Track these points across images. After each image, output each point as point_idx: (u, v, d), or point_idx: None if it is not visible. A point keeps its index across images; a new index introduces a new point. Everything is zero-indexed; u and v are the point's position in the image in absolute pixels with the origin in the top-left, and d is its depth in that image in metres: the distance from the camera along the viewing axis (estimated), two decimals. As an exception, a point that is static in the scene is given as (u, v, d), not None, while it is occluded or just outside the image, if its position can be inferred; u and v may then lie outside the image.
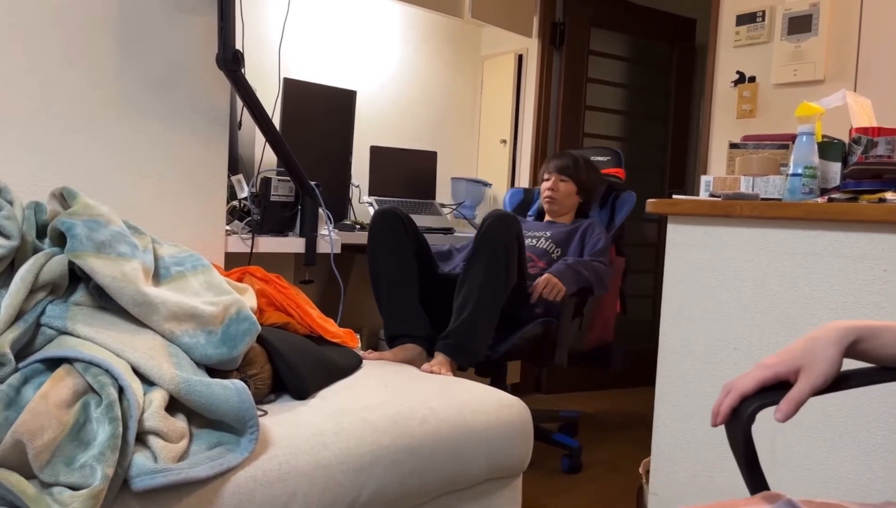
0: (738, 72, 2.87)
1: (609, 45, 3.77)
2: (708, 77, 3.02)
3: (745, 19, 2.83)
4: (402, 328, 2.11)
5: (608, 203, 2.83)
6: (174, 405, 1.18)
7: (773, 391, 0.84)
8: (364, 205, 3.09)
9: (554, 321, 2.36)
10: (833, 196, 1.47)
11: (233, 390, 1.18)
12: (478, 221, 3.37)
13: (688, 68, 4.00)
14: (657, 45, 3.94)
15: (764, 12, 2.78)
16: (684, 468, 1.64)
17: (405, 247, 2.17)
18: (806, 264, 1.42)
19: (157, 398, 1.14)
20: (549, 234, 2.60)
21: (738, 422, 0.84)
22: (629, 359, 2.91)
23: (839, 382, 0.83)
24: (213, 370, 1.31)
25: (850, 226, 1.35)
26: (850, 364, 0.84)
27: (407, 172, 3.26)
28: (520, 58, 3.61)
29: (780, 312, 1.46)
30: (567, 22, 3.57)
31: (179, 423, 1.14)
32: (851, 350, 0.86)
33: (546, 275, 2.31)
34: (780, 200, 1.53)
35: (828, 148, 1.60)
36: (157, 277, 1.41)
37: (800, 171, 1.50)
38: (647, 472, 1.78)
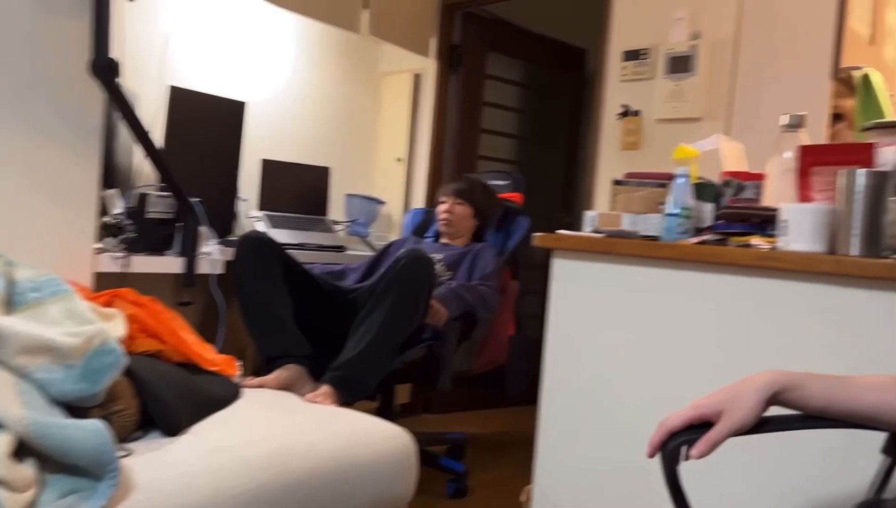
0: (623, 105, 2.99)
1: (505, 70, 3.85)
2: (595, 108, 3.13)
3: (632, 55, 2.96)
4: (279, 348, 2.04)
5: (504, 227, 2.87)
6: (25, 450, 1.08)
7: (699, 429, 0.90)
8: (252, 221, 2.98)
9: (437, 344, 2.36)
10: (706, 237, 1.55)
11: (91, 430, 1.10)
12: (372, 239, 3.34)
13: (578, 97, 4.14)
14: (551, 73, 4.06)
15: (648, 50, 2.91)
16: (566, 499, 1.67)
17: (274, 271, 2.11)
18: (678, 303, 1.48)
19: (2, 442, 1.04)
20: (442, 257, 2.60)
21: (664, 457, 0.90)
22: (527, 381, 2.95)
23: (759, 426, 0.90)
24: (74, 408, 1.22)
25: (718, 268, 1.42)
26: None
27: (299, 187, 3.18)
28: (417, 77, 3.61)
29: (654, 350, 1.51)
30: (464, 45, 3.62)
31: (27, 470, 1.05)
32: (777, 399, 0.92)
33: (433, 301, 2.30)
34: (658, 237, 1.60)
35: (702, 189, 1.69)
36: (11, 304, 1.29)
37: (676, 211, 1.57)
38: (528, 500, 1.80)
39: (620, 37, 3.02)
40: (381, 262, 2.66)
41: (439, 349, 2.37)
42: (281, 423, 1.49)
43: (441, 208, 2.70)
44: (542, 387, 1.71)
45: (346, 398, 1.93)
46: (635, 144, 2.95)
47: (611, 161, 3.01)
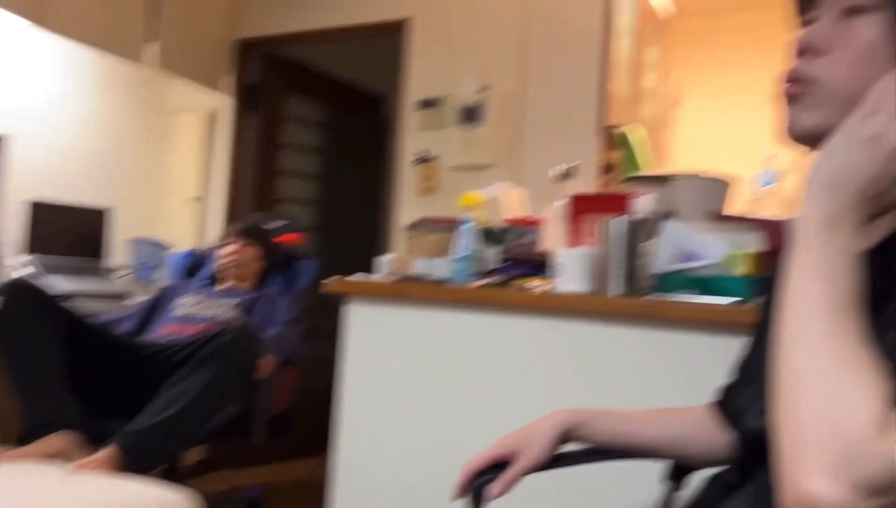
0: (418, 151, 3.09)
1: (305, 112, 3.83)
2: (393, 154, 3.21)
3: (426, 104, 3.08)
4: (44, 415, 1.81)
5: (287, 270, 2.78)
6: None
7: (502, 468, 0.92)
8: (15, 267, 2.66)
9: (255, 395, 2.24)
10: (490, 280, 1.62)
11: None
12: (162, 284, 3.11)
13: (378, 142, 4.22)
14: (351, 116, 4.10)
15: (441, 99, 3.04)
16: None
17: (42, 324, 1.89)
18: (465, 343, 1.53)
19: None
20: (234, 302, 2.48)
21: (470, 498, 0.92)
22: (307, 426, 2.87)
23: (554, 461, 0.94)
24: None
25: (501, 310, 1.50)
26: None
27: (73, 229, 2.90)
28: (212, 116, 3.48)
29: (448, 388, 1.55)
30: (262, 85, 3.55)
31: None
32: (569, 435, 0.96)
33: (269, 357, 2.20)
34: (448, 281, 1.65)
35: (488, 235, 1.77)
36: None
37: (463, 255, 1.63)
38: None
39: (415, 85, 3.13)
40: (157, 309, 2.47)
41: (256, 401, 2.24)
42: (35, 502, 1.31)
43: (227, 250, 2.56)
44: (338, 433, 1.68)
45: (134, 468, 1.75)
46: (432, 189, 3.06)
47: (409, 205, 3.08)
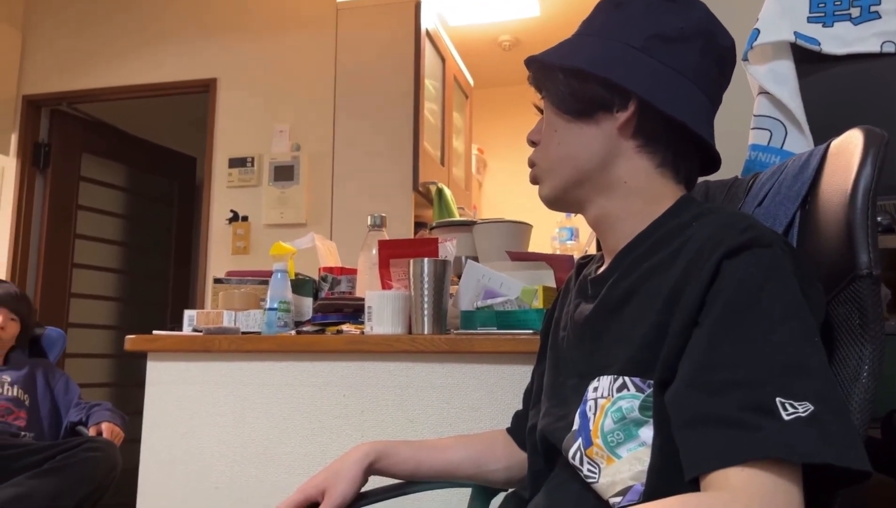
0: (231, 211, 3.02)
1: (105, 174, 3.60)
2: (204, 213, 3.10)
3: (237, 162, 3.03)
4: None
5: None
6: None
7: None
8: None
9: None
10: (304, 329, 1.61)
11: None
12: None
13: (189, 203, 4.06)
14: (158, 179, 3.92)
15: (253, 158, 3.01)
16: None
17: None
18: (280, 394, 1.50)
19: None
20: (8, 380, 2.22)
21: None
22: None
23: (359, 499, 0.91)
24: None
25: (315, 356, 1.48)
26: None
27: None
28: (-8, 176, 3.16)
29: (258, 444, 1.49)
30: (53, 144, 3.30)
31: None
32: (373, 468, 0.95)
33: (107, 424, 2.14)
34: (259, 333, 1.61)
35: (301, 285, 1.76)
36: None
37: (275, 305, 1.60)
38: None
39: (225, 145, 3.08)
40: None
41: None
42: None
43: None
44: (138, 502, 1.54)
45: None
46: (245, 248, 2.99)
47: (222, 265, 2.98)
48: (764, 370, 0.60)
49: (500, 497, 1.04)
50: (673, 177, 0.81)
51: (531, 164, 0.86)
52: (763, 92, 1.39)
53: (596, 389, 0.74)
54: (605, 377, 0.73)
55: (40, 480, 1.80)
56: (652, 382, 0.68)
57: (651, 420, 0.68)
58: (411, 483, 1.01)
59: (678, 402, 0.64)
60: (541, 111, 0.87)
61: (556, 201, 0.85)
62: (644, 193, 0.80)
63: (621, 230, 0.81)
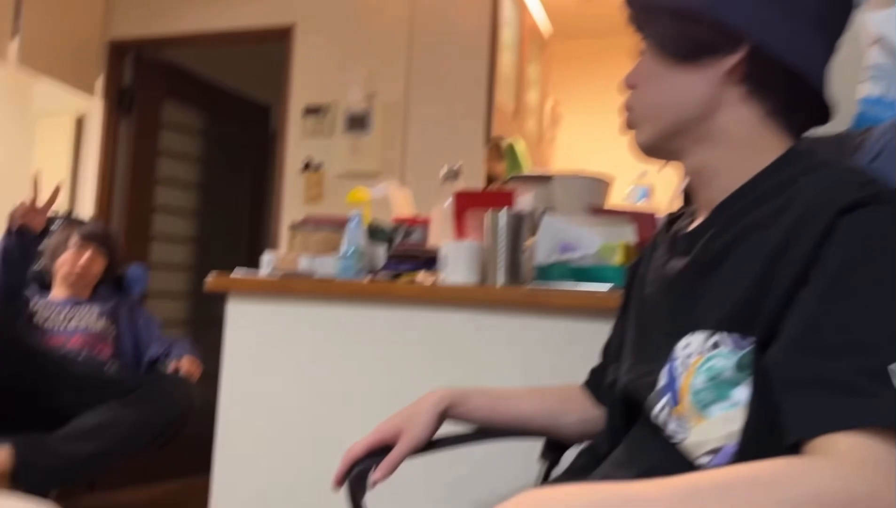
0: (305, 160, 3.05)
1: (185, 119, 3.68)
2: (279, 162, 3.14)
3: (312, 111, 3.05)
4: None
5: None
6: None
7: (383, 453, 0.90)
8: None
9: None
10: (378, 276, 1.62)
11: None
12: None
13: (263, 151, 4.12)
14: (234, 125, 3.99)
15: (327, 107, 3.03)
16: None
17: None
18: (354, 338, 1.52)
19: None
20: (96, 312, 2.32)
21: (347, 486, 0.89)
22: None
23: (435, 443, 0.94)
24: None
25: (389, 303, 1.50)
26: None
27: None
28: (80, 122, 3.27)
29: (332, 384, 1.53)
30: (137, 89, 3.39)
31: None
32: (448, 413, 0.95)
33: (187, 356, 2.23)
34: (333, 278, 1.63)
35: (375, 232, 1.77)
36: None
37: (350, 251, 1.62)
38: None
39: (301, 93, 3.10)
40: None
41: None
42: None
43: (82, 257, 2.34)
44: (218, 437, 1.61)
45: (16, 484, 1.62)
46: (317, 196, 3.02)
47: (295, 214, 3.02)
48: (879, 333, 0.57)
49: (573, 450, 1.03)
50: (780, 128, 0.76)
51: (627, 108, 0.82)
52: (878, 40, 1.29)
53: (686, 346, 0.72)
54: (698, 333, 0.70)
55: (124, 410, 1.89)
56: (753, 339, 0.65)
57: (746, 380, 0.66)
58: (484, 432, 1.01)
59: (783, 362, 0.61)
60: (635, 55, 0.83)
61: (653, 150, 0.81)
62: (748, 144, 0.75)
63: (720, 183, 0.77)
